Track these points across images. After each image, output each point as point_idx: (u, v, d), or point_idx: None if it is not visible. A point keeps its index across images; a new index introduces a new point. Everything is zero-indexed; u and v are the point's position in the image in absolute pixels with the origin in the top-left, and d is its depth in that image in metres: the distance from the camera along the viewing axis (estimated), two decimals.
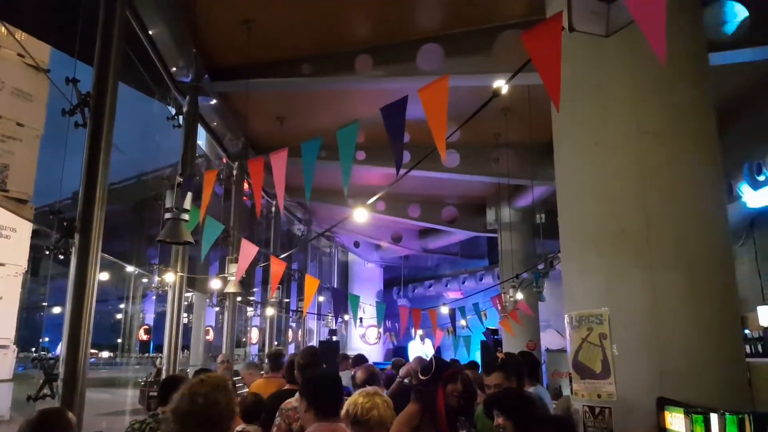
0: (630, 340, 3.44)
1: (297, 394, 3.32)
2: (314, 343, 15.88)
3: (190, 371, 8.23)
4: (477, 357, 14.40)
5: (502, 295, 9.23)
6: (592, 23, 2.11)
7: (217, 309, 10.82)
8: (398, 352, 16.36)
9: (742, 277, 7.92)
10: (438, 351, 15.48)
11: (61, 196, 5.19)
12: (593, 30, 2.11)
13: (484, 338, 12.50)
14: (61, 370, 4.20)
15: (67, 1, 4.96)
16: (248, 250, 4.68)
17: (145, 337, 13.34)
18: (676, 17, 3.66)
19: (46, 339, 17.19)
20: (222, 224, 4.72)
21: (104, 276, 7.40)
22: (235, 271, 6.37)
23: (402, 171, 2.73)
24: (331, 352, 9.11)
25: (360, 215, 4.13)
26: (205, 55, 7.25)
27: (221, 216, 9.04)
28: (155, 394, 7.96)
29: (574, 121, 4.02)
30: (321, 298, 16.14)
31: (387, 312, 8.87)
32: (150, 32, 6.32)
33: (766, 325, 7.61)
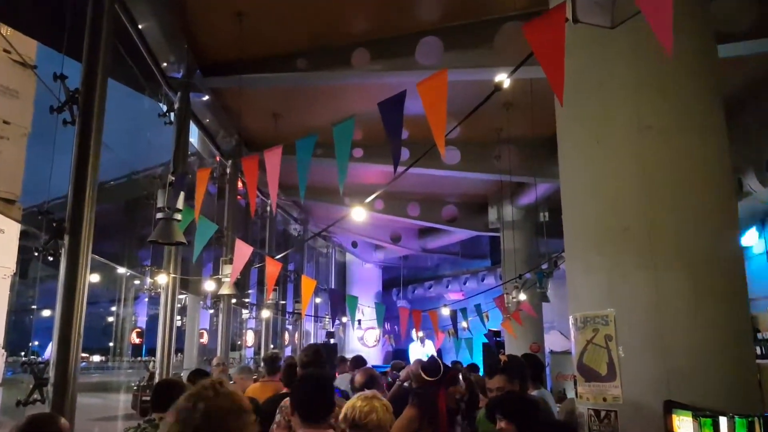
0: (634, 341, 3.44)
1: None
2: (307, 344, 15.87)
3: (184, 375, 8.23)
4: (479, 359, 14.43)
5: (505, 296, 9.23)
6: (596, 14, 2.10)
7: (211, 311, 10.82)
8: (398, 355, 16.37)
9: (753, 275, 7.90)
10: (439, 353, 15.50)
11: (49, 196, 5.17)
12: (598, 21, 2.11)
13: (486, 340, 12.52)
14: (51, 374, 4.19)
15: None
16: (243, 250, 4.68)
17: (137, 341, 13.32)
18: (683, 7, 3.65)
19: (36, 343, 17.17)
20: (215, 224, 4.72)
21: (95, 278, 7.40)
22: (229, 272, 6.37)
23: (400, 168, 2.72)
24: (328, 354, 9.10)
25: (358, 214, 4.13)
26: (196, 49, 7.24)
27: (215, 216, 9.03)
28: (148, 398, 7.97)
29: (578, 118, 4.02)
30: (318, 300, 16.15)
31: (386, 314, 8.87)
32: (140, 26, 6.30)
33: None
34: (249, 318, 12.96)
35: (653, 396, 3.29)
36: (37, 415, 2.57)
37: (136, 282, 9.81)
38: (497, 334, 12.64)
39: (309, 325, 16.90)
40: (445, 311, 10.38)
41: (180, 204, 4.21)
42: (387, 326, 17.10)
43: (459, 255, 18.92)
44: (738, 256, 3.73)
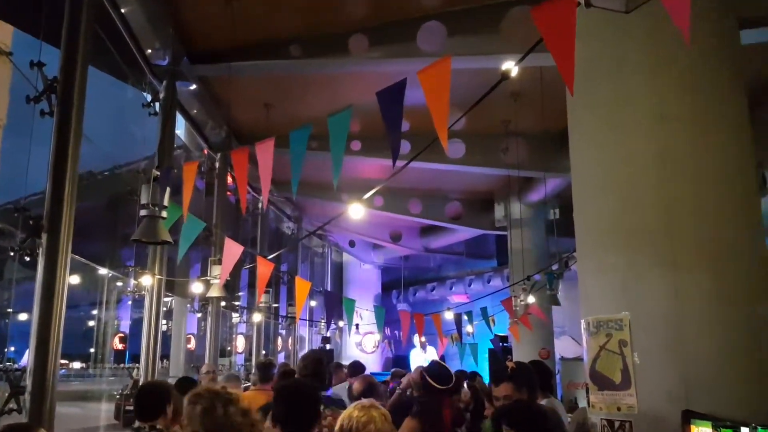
0: (651, 348, 3.45)
1: None
2: (305, 352, 15.88)
3: (171, 382, 8.23)
4: (484, 366, 14.45)
5: (513, 298, 9.24)
6: None
7: (199, 315, 10.82)
8: (398, 362, 16.39)
9: None
10: (442, 360, 15.52)
11: (26, 192, 5.18)
12: (612, 6, 2.11)
13: (492, 346, 12.54)
14: (28, 382, 4.20)
15: None
16: (233, 250, 4.67)
17: (120, 346, 13.32)
18: None
19: (12, 349, 17.17)
20: (203, 222, 4.71)
21: (75, 279, 7.39)
22: (218, 273, 6.36)
23: (400, 162, 2.72)
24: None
25: (355, 211, 4.13)
26: (183, 35, 7.22)
27: (203, 213, 9.03)
28: (132, 408, 7.98)
29: (590, 108, 4.02)
30: (313, 303, 16.15)
31: (386, 318, 8.88)
32: (122, 10, 6.29)
33: None
34: (239, 322, 12.95)
35: (671, 405, 3.29)
36: (14, 426, 2.57)
37: (119, 284, 9.80)
38: (504, 339, 12.66)
39: (304, 330, 16.91)
40: (449, 315, 10.38)
41: (165, 200, 4.21)
42: (387, 331, 17.12)
43: (463, 255, 18.92)
44: (762, 255, 3.73)
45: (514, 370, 3.68)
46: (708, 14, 3.74)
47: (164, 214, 4.22)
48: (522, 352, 10.72)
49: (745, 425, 2.84)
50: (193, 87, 7.91)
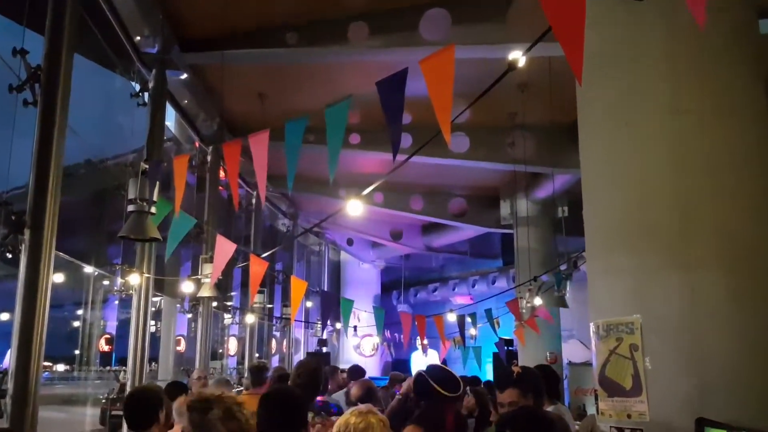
0: (664, 352, 3.45)
1: None
2: (301, 355, 15.91)
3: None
4: (488, 371, 14.47)
5: (519, 300, 9.25)
6: None
7: (189, 316, 10.82)
8: (398, 366, 16.38)
9: None
10: (444, 364, 15.52)
11: (8, 186, 5.17)
12: None
13: (496, 350, 12.55)
14: (9, 385, 4.20)
15: None
16: (225, 247, 4.67)
17: (106, 348, 13.32)
18: None
19: None
20: (193, 218, 4.72)
21: (59, 278, 7.39)
22: (210, 272, 6.38)
23: (401, 156, 2.72)
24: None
25: (354, 208, 4.12)
26: (174, 21, 7.21)
27: (193, 209, 9.03)
28: (118, 412, 7.97)
29: (601, 100, 4.01)
30: (309, 304, 16.16)
31: (386, 319, 8.89)
32: None
33: None
34: (232, 323, 12.97)
35: (684, 413, 3.30)
36: None
37: (106, 282, 9.79)
38: (509, 342, 12.67)
39: (299, 332, 16.93)
40: (452, 317, 10.39)
41: (154, 195, 4.21)
42: (387, 334, 17.13)
43: (467, 254, 18.93)
44: None
45: (520, 375, 3.68)
46: (725, 2, 3.74)
47: (153, 209, 4.22)
48: (528, 356, 10.72)
49: None
50: (184, 76, 7.90)
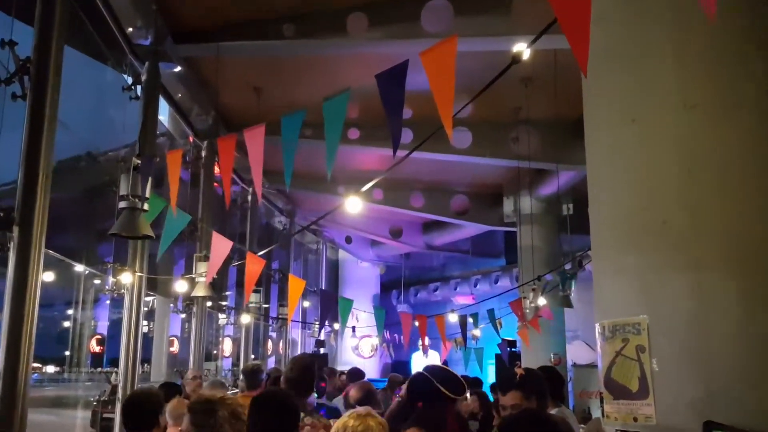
0: (671, 354, 3.45)
1: None
2: (297, 355, 15.91)
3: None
4: (491, 373, 14.48)
5: (522, 300, 9.25)
6: None
7: (183, 316, 10.83)
8: (398, 367, 16.42)
9: None
10: (445, 365, 15.53)
11: None
12: None
13: (498, 351, 12.56)
14: None
15: None
16: (221, 245, 4.67)
17: (97, 349, 13.34)
18: None
19: None
20: (188, 215, 4.71)
21: (48, 276, 7.39)
22: (204, 270, 6.38)
23: (401, 152, 2.72)
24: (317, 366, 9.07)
25: (353, 205, 4.12)
26: (167, 12, 7.20)
27: (187, 206, 9.03)
28: (110, 415, 7.99)
29: (607, 94, 4.01)
30: (306, 303, 16.18)
31: (386, 320, 8.90)
32: None
33: None
34: (227, 324, 12.98)
35: (691, 416, 3.30)
36: None
37: (97, 281, 9.80)
38: (512, 344, 12.68)
39: (296, 333, 16.95)
40: (453, 317, 10.40)
41: (147, 191, 4.21)
42: (386, 334, 17.15)
43: (469, 253, 18.93)
44: None
45: (523, 377, 3.69)
46: None
47: (145, 206, 4.22)
48: (531, 358, 10.74)
49: None
50: (178, 69, 7.89)
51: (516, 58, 2.39)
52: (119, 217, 4.23)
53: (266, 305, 13.11)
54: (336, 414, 4.21)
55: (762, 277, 3.49)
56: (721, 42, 3.68)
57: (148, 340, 11.03)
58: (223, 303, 12.26)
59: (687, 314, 3.46)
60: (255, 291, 10.33)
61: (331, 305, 7.72)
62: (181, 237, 4.70)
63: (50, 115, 4.61)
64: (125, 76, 7.40)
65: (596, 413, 10.02)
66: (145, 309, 7.59)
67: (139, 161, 4.28)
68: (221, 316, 12.48)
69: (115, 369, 8.28)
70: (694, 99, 3.64)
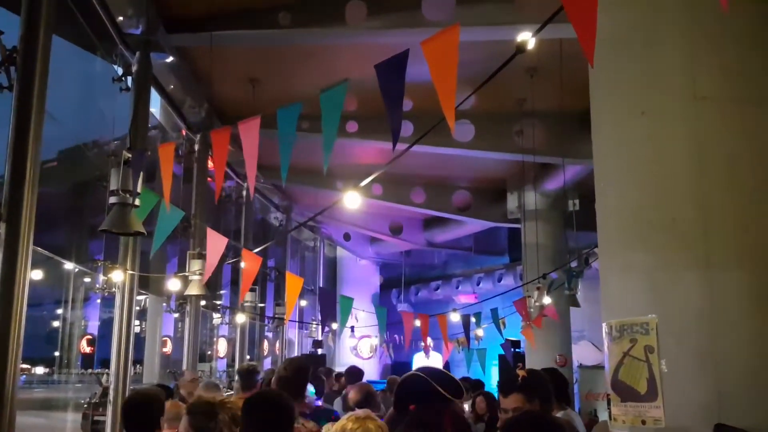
0: (682, 355, 3.45)
1: None
2: (293, 356, 15.94)
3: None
4: (494, 374, 14.49)
5: (526, 299, 9.26)
6: None
7: (176, 315, 10.83)
8: (398, 369, 16.42)
9: None
10: (447, 367, 15.57)
11: None
12: None
13: (502, 351, 12.58)
14: None
15: None
16: (216, 242, 4.68)
17: (88, 350, 13.37)
18: None
19: None
20: (181, 210, 4.72)
21: (37, 274, 7.39)
22: (197, 268, 6.38)
23: (401, 146, 2.71)
24: (313, 367, 9.08)
25: (351, 201, 4.12)
26: (159, 1, 7.19)
27: (180, 201, 9.02)
28: (101, 417, 8.00)
29: (615, 86, 4.01)
30: (303, 303, 16.19)
31: (386, 319, 8.91)
32: None
33: None
34: (221, 324, 13.00)
35: (702, 419, 3.31)
36: None
37: (87, 280, 9.80)
38: (516, 344, 12.69)
39: (293, 333, 16.97)
40: (455, 317, 10.41)
41: (138, 186, 4.20)
42: (386, 335, 17.17)
43: (471, 250, 18.94)
44: None
45: (525, 379, 3.68)
46: None
47: (137, 201, 4.22)
48: (536, 359, 10.75)
49: None
50: (170, 59, 7.88)
51: (520, 48, 2.38)
52: (109, 212, 4.22)
53: (262, 304, 13.12)
54: (327, 415, 4.21)
55: None
56: (733, 31, 3.68)
57: (140, 340, 11.04)
58: (218, 302, 12.27)
59: (697, 314, 3.46)
60: (250, 290, 10.33)
61: (331, 304, 7.74)
62: (174, 234, 4.70)
63: (38, 107, 4.60)
64: (115, 66, 7.38)
65: (603, 416, 10.03)
66: (137, 308, 7.60)
67: (130, 155, 4.27)
68: (215, 315, 12.49)
69: (107, 370, 8.28)
70: (705, 91, 3.64)
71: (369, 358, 19.43)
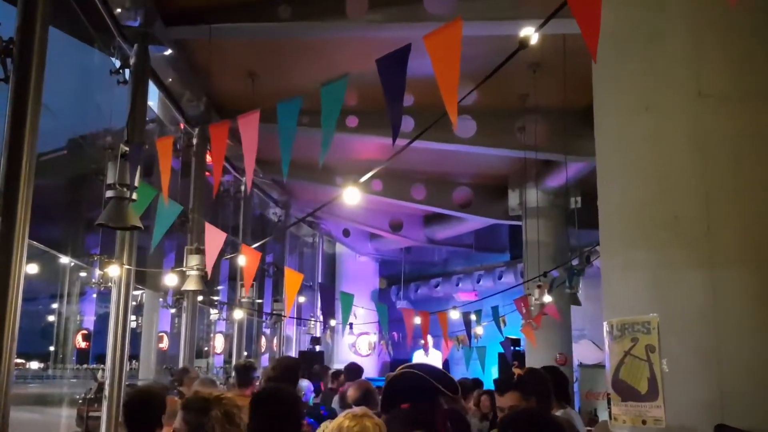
0: (683, 354, 3.46)
1: None
2: (293, 354, 15.97)
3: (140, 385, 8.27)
4: (494, 373, 14.51)
5: (527, 297, 9.26)
6: None
7: (172, 311, 10.84)
8: (398, 366, 16.42)
9: None
10: (446, 365, 15.59)
11: None
12: None
13: (502, 350, 12.59)
14: None
15: None
16: (215, 237, 4.68)
17: (83, 345, 13.37)
18: None
19: None
20: (179, 205, 4.72)
21: (32, 268, 7.40)
22: (195, 263, 6.38)
23: (402, 141, 2.71)
24: (309, 364, 9.13)
25: (351, 197, 4.11)
26: None
27: (178, 196, 9.02)
28: (97, 413, 8.01)
29: (619, 82, 4.01)
30: (302, 299, 16.20)
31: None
32: None
33: None
34: (218, 319, 13.00)
35: (703, 419, 3.31)
36: None
37: (83, 274, 9.81)
38: (516, 342, 12.70)
39: (291, 329, 16.97)
40: (455, 314, 10.42)
41: (136, 180, 4.20)
42: (386, 332, 17.18)
43: (472, 247, 18.95)
44: None
45: (521, 377, 3.69)
46: None
47: (134, 195, 4.22)
48: (536, 357, 10.77)
49: None
50: (168, 52, 7.86)
51: (523, 43, 2.38)
52: (106, 206, 4.22)
53: (260, 300, 13.14)
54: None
55: None
56: (738, 28, 3.68)
57: (136, 335, 11.04)
58: (215, 298, 12.28)
59: (699, 312, 3.47)
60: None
61: (331, 300, 7.75)
62: (171, 228, 4.70)
63: (34, 100, 4.59)
64: (113, 59, 7.36)
65: (603, 415, 10.05)
66: (134, 303, 7.60)
67: (127, 148, 4.27)
68: (213, 311, 12.50)
69: (102, 366, 8.28)
70: (710, 87, 3.64)
71: (368, 355, 19.45)
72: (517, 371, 3.76)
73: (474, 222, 15.76)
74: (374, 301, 17.47)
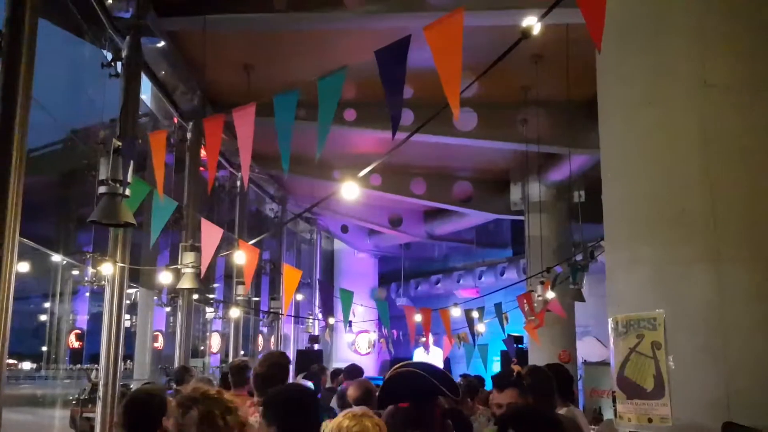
0: (690, 351, 3.46)
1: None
2: (291, 352, 15.99)
3: (134, 386, 8.28)
4: (496, 371, 14.53)
5: (530, 293, 9.27)
6: None
7: (167, 309, 10.85)
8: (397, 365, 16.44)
9: None
10: (447, 363, 15.62)
11: None
12: None
13: (504, 347, 12.61)
14: None
15: None
16: (212, 234, 4.68)
17: (76, 345, 13.39)
18: None
19: None
20: (174, 201, 4.71)
21: (24, 267, 7.40)
22: (190, 261, 6.39)
23: (402, 134, 2.71)
24: (307, 363, 9.13)
25: (349, 192, 4.11)
26: None
27: (172, 191, 9.01)
28: (90, 414, 8.03)
29: (623, 73, 4.00)
30: (300, 297, 16.21)
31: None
32: None
33: None
34: (214, 318, 13.01)
35: (710, 416, 3.32)
36: None
37: (75, 272, 9.82)
38: (519, 339, 12.72)
39: (288, 328, 16.99)
40: (456, 311, 10.43)
41: (128, 176, 4.20)
42: (384, 330, 17.21)
43: (473, 243, 18.96)
44: None
45: (520, 374, 3.70)
46: None
47: (127, 191, 4.21)
48: (539, 355, 10.79)
49: None
50: (162, 44, 7.85)
51: (525, 34, 2.38)
52: (99, 203, 4.22)
53: (256, 298, 13.14)
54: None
55: None
56: (745, 18, 3.67)
57: (130, 335, 11.06)
58: (211, 296, 12.28)
59: (706, 309, 3.47)
60: (243, 283, 10.34)
61: (330, 298, 7.76)
62: (166, 225, 4.69)
63: (24, 93, 4.58)
64: (104, 51, 7.35)
65: (608, 413, 10.07)
66: (128, 302, 7.60)
67: (119, 143, 4.26)
68: (209, 309, 12.50)
69: (96, 366, 8.29)
70: (715, 79, 3.64)
71: (367, 353, 19.48)
72: (516, 368, 3.76)
73: (475, 217, 15.77)
74: (374, 298, 17.48)
